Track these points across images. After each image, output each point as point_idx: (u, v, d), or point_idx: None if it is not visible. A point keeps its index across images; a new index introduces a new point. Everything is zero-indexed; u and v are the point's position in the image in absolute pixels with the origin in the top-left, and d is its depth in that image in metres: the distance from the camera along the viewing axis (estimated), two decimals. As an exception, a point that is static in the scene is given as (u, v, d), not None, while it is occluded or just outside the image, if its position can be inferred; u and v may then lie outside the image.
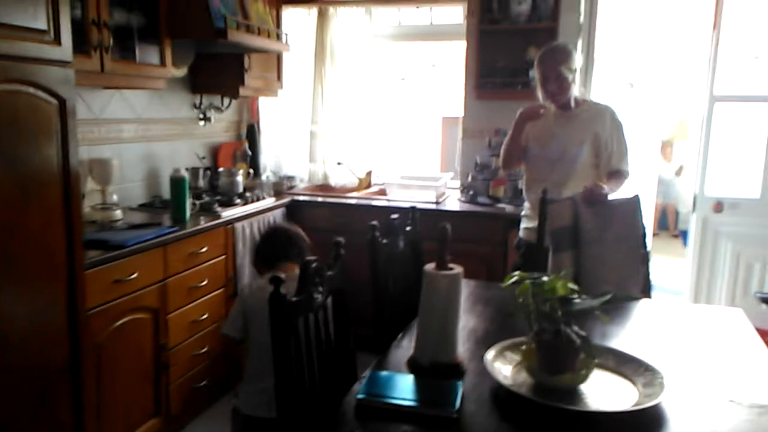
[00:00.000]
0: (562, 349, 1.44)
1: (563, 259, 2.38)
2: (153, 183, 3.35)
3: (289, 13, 3.99)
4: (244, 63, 3.47)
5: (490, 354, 1.59)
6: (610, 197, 2.47)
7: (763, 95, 3.43)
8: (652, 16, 4.18)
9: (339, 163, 4.16)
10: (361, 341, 1.88)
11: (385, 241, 2.04)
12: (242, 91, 3.55)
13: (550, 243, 2.44)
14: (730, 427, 1.37)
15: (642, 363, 1.56)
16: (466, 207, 3.53)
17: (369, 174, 4.13)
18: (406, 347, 1.76)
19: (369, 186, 4.10)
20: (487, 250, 3.32)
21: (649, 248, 2.59)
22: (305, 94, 4.20)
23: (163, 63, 2.87)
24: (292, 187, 4.06)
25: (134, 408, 2.49)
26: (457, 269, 1.56)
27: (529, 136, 2.74)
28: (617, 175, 2.63)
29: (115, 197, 2.86)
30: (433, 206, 3.50)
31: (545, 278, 1.50)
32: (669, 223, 8.03)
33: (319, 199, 3.78)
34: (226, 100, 3.84)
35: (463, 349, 1.69)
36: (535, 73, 2.68)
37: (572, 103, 2.64)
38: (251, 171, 3.89)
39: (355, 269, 1.92)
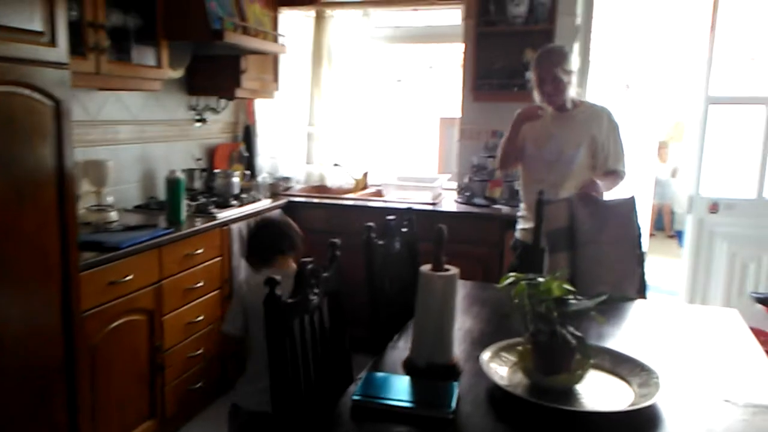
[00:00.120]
0: (558, 349, 1.44)
1: (559, 260, 2.39)
2: (149, 184, 3.34)
3: (286, 15, 3.99)
4: (240, 65, 3.47)
5: (486, 355, 1.59)
6: (606, 197, 2.48)
7: (758, 97, 3.44)
8: (649, 18, 4.19)
9: (335, 165, 4.16)
10: (357, 342, 1.88)
11: (381, 242, 2.04)
12: (238, 93, 3.55)
13: (546, 244, 2.44)
14: (725, 427, 1.37)
15: (637, 363, 1.57)
16: (463, 208, 3.53)
17: (365, 175, 4.13)
18: (402, 348, 1.76)
19: (365, 187, 4.10)
20: (484, 251, 3.32)
21: (645, 249, 2.60)
22: (302, 96, 4.20)
23: (159, 65, 2.87)
24: (288, 189, 4.06)
25: (129, 410, 2.48)
26: (453, 270, 1.56)
27: (526, 137, 2.74)
28: (613, 174, 2.64)
29: (110, 199, 2.85)
30: (430, 207, 3.50)
31: (541, 279, 1.50)
32: (665, 224, 8.05)
33: (316, 200, 3.78)
34: (223, 102, 3.84)
35: (459, 350, 1.69)
36: (531, 75, 2.68)
37: (568, 105, 2.65)
38: (247, 172, 3.89)
39: (351, 270, 1.92)
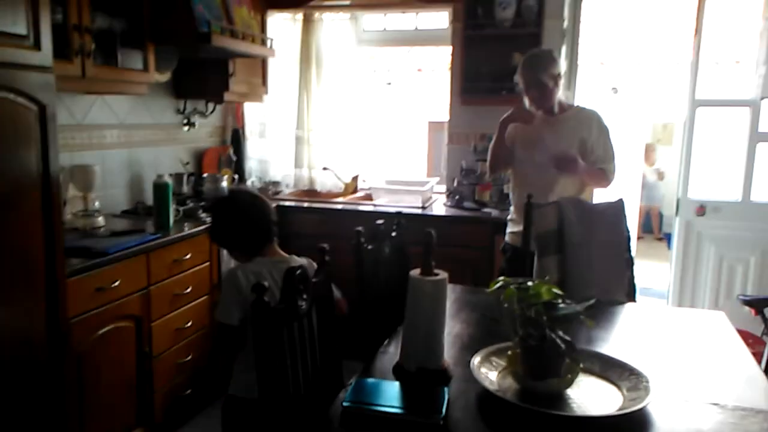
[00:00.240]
0: (548, 354, 1.44)
1: (549, 264, 2.39)
2: (136, 189, 3.32)
3: (274, 18, 3.98)
4: (228, 68, 3.45)
5: (476, 359, 1.59)
6: (595, 200, 2.50)
7: (744, 99, 3.47)
8: (636, 22, 4.23)
9: (325, 168, 4.15)
10: (346, 348, 1.87)
11: (370, 246, 2.03)
12: (227, 97, 3.53)
13: (535, 247, 2.45)
14: (714, 430, 1.37)
15: (627, 367, 1.57)
16: (453, 212, 3.53)
17: (355, 179, 4.12)
18: (392, 353, 1.75)
19: (355, 191, 4.09)
20: (474, 255, 3.32)
21: (633, 252, 2.62)
22: (291, 99, 4.19)
23: (146, 68, 2.84)
24: (277, 193, 4.04)
25: (117, 417, 2.46)
26: (442, 275, 1.56)
27: (515, 141, 2.75)
28: (599, 171, 2.65)
29: (97, 204, 2.82)
30: (420, 211, 3.50)
31: (530, 283, 1.50)
32: (653, 226, 8.10)
33: (305, 204, 3.76)
34: (211, 106, 3.82)
35: (448, 354, 1.69)
36: (519, 79, 2.69)
37: (556, 109, 2.66)
38: (236, 176, 3.87)
39: (341, 275, 1.91)
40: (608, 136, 2.68)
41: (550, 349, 1.43)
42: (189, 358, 2.84)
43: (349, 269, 1.94)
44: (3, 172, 1.73)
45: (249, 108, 4.21)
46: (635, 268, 2.57)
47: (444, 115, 3.94)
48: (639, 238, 6.95)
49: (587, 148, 2.65)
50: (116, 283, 2.34)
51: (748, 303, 2.93)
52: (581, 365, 1.50)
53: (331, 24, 4.06)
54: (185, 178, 3.50)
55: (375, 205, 3.68)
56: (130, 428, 2.53)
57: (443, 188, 3.90)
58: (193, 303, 2.87)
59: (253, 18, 3.44)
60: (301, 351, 1.56)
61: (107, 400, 2.38)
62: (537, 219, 2.45)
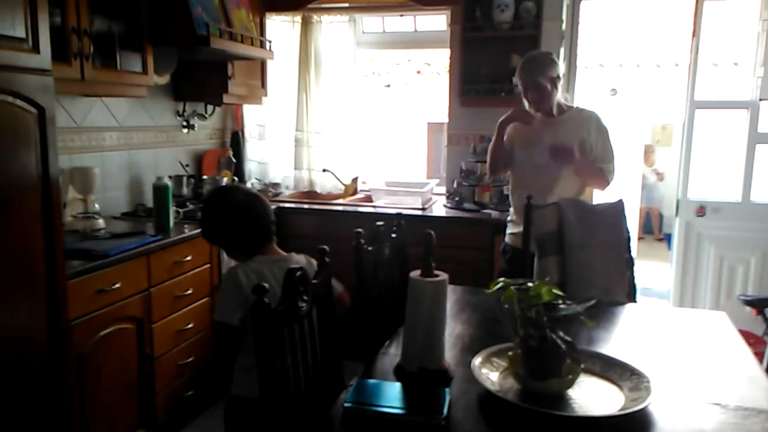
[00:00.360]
0: (548, 354, 1.44)
1: (549, 265, 2.39)
2: (136, 191, 3.32)
3: (273, 21, 3.99)
4: (227, 70, 3.45)
5: (477, 360, 1.59)
6: (594, 201, 2.50)
7: (742, 101, 3.48)
8: (634, 24, 4.24)
9: (324, 170, 4.15)
10: (347, 349, 1.86)
11: (370, 248, 2.03)
12: (226, 99, 3.53)
13: (535, 248, 2.45)
14: (716, 430, 1.37)
15: (628, 367, 1.57)
16: (452, 213, 3.53)
17: (355, 180, 4.13)
18: (393, 354, 1.75)
19: (355, 192, 4.09)
20: (474, 256, 3.32)
21: (633, 253, 2.62)
22: (290, 102, 4.20)
23: (145, 71, 2.84)
24: (277, 194, 4.04)
25: (119, 419, 2.45)
26: (442, 276, 1.55)
27: (514, 142, 2.75)
28: (597, 170, 2.65)
29: (97, 206, 2.82)
30: (419, 212, 3.50)
31: (530, 284, 1.50)
32: (653, 227, 8.11)
33: (305, 206, 3.76)
34: (210, 108, 3.82)
35: (449, 355, 1.69)
36: (517, 81, 2.70)
37: (555, 110, 2.66)
38: (236, 178, 3.87)
39: (340, 277, 1.91)
40: (607, 137, 2.68)
41: (550, 349, 1.43)
42: (190, 359, 2.84)
43: (349, 271, 1.94)
44: (2, 175, 1.73)
45: (248, 110, 4.22)
46: (636, 268, 2.57)
47: (443, 116, 3.94)
48: (639, 238, 6.96)
49: (586, 148, 2.65)
50: (117, 285, 2.34)
51: (749, 303, 2.93)
52: (582, 366, 1.50)
53: (329, 26, 4.06)
54: (185, 180, 3.50)
55: (375, 207, 3.68)
56: (132, 429, 2.53)
57: (443, 189, 3.90)
58: (193, 305, 2.86)
59: (251, 20, 3.44)
60: (301, 352, 1.56)
61: (109, 401, 2.37)
62: (537, 220, 2.45)
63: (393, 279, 2.18)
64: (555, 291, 1.49)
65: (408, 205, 3.57)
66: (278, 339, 1.44)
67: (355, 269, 1.95)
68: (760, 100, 3.38)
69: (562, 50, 3.54)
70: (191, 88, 3.54)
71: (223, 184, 3.49)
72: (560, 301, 1.49)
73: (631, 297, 2.48)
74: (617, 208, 2.51)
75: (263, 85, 3.88)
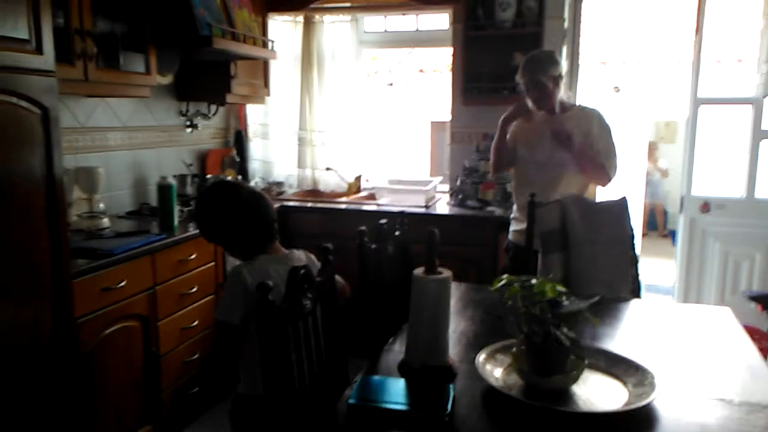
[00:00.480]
0: (552, 351, 1.44)
1: (552, 262, 2.39)
2: (140, 191, 3.33)
3: (275, 21, 3.99)
4: (230, 70, 3.46)
5: (481, 356, 1.59)
6: (598, 198, 2.50)
7: (746, 97, 3.47)
8: (637, 21, 4.23)
9: (328, 169, 4.16)
10: (352, 345, 1.87)
11: (374, 246, 2.04)
12: (229, 98, 3.54)
13: (539, 245, 2.45)
14: (721, 426, 1.37)
15: (632, 363, 1.57)
16: (456, 210, 3.53)
17: (358, 179, 4.13)
18: (397, 351, 1.76)
19: (358, 191, 4.10)
20: (477, 253, 3.32)
21: (637, 250, 2.61)
22: (293, 101, 4.20)
23: (148, 71, 2.85)
24: (281, 193, 4.05)
25: (126, 416, 2.47)
26: (446, 273, 1.56)
27: (517, 140, 2.76)
28: (599, 165, 2.64)
29: (102, 205, 2.84)
30: (423, 210, 3.50)
31: (534, 281, 1.50)
32: (658, 224, 8.09)
33: (309, 204, 3.77)
34: (213, 107, 3.82)
35: (453, 352, 1.69)
36: (520, 80, 2.70)
37: (557, 109, 2.66)
38: (240, 177, 3.88)
39: (344, 274, 1.91)
40: (609, 134, 2.68)
41: (554, 346, 1.43)
42: (195, 356, 2.85)
43: (353, 269, 1.94)
44: (8, 175, 1.74)
45: (251, 109, 4.23)
46: (640, 265, 2.57)
47: (446, 115, 3.95)
48: (644, 235, 6.96)
49: (588, 143, 2.65)
50: (122, 284, 2.35)
51: (754, 299, 2.93)
52: (586, 362, 1.50)
53: (331, 26, 4.07)
54: (189, 179, 3.50)
55: (378, 205, 3.69)
56: (139, 426, 2.55)
57: (446, 187, 3.90)
58: (198, 302, 2.88)
59: (253, 20, 3.45)
60: (306, 349, 1.56)
61: (115, 398, 2.39)
62: (540, 217, 2.45)
63: (396, 276, 2.18)
64: (559, 288, 1.49)
65: (411, 203, 3.57)
66: (283, 336, 1.44)
67: (358, 267, 1.96)
68: (764, 96, 3.37)
69: (564, 48, 3.53)
70: (194, 88, 3.55)
71: (217, 181, 3.47)
72: (564, 298, 1.49)
73: (636, 294, 2.48)
74: (620, 206, 2.51)
75: (266, 84, 3.88)
